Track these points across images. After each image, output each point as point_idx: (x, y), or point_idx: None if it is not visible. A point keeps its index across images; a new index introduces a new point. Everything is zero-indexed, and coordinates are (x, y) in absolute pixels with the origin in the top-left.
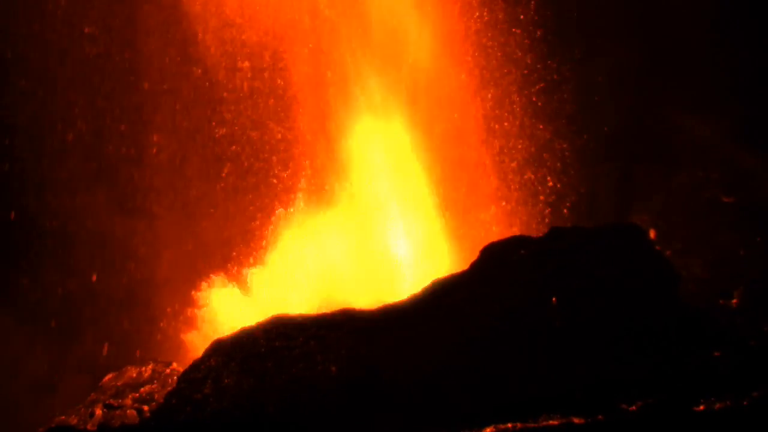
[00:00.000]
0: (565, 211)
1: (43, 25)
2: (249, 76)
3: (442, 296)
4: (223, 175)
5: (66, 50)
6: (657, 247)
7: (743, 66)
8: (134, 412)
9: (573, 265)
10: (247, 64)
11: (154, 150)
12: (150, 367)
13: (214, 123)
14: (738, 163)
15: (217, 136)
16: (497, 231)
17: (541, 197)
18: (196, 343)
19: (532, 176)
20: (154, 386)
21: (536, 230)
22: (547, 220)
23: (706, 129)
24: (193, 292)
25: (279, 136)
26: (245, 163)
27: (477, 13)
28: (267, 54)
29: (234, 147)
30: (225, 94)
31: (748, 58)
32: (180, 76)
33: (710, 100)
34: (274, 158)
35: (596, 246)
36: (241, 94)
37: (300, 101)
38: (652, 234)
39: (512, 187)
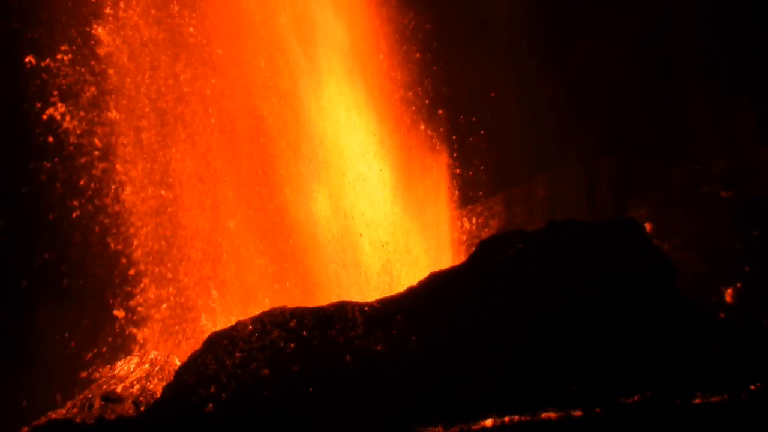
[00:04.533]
0: (562, 205)
1: None
2: None
3: (439, 290)
4: None
5: None
6: (655, 242)
7: (744, 59)
8: (132, 405)
9: (570, 259)
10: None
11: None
12: (148, 359)
13: None
14: (737, 158)
15: None
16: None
17: (540, 190)
18: (195, 337)
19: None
20: (151, 379)
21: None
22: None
23: (707, 123)
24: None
25: None
26: None
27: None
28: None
29: None
30: None
31: (751, 50)
32: None
33: (710, 95)
34: None
35: (594, 240)
36: None
37: None
38: (648, 228)
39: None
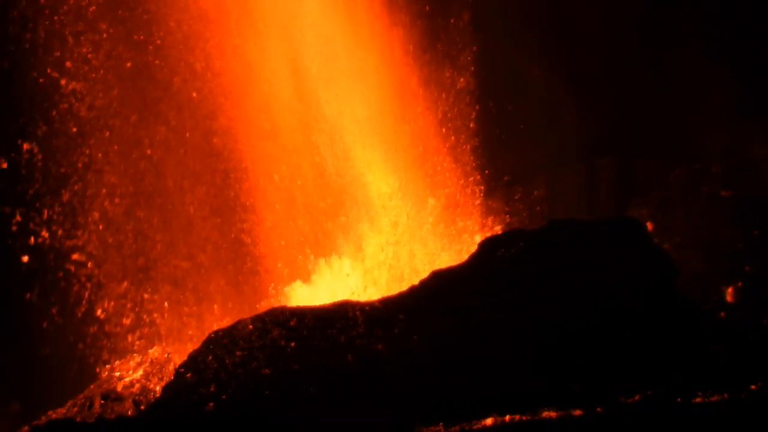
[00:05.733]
0: (562, 204)
1: None
2: None
3: (441, 289)
4: None
5: None
6: (655, 241)
7: (743, 56)
8: (132, 405)
9: (571, 258)
10: None
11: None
12: (148, 358)
13: None
14: (737, 157)
15: None
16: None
17: (540, 190)
18: (196, 335)
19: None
20: (152, 378)
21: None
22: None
23: (707, 121)
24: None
25: None
26: None
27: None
28: None
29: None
30: None
31: (750, 45)
32: None
33: (710, 93)
34: None
35: (594, 240)
36: None
37: None
38: (649, 227)
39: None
